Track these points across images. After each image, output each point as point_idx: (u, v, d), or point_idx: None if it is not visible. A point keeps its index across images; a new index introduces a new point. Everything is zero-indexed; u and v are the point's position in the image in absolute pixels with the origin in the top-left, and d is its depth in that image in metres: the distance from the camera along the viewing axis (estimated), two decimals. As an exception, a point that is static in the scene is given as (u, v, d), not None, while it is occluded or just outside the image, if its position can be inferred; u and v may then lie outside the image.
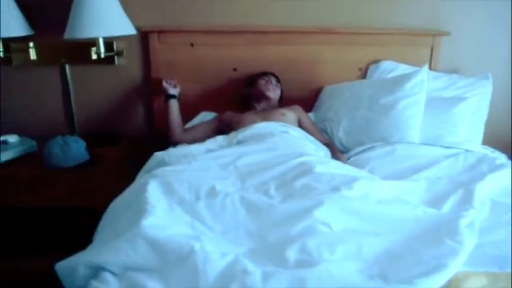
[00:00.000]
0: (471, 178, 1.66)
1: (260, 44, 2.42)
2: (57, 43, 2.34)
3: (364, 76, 2.49)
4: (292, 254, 1.13)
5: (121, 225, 1.24)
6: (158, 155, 1.81)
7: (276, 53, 2.43)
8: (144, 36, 2.37)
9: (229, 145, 1.86)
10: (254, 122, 2.09)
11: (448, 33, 2.43)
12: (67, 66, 2.44)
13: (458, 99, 2.16)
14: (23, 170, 2.12)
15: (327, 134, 2.22)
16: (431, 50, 2.46)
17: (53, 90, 2.49)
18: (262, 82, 2.29)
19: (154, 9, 2.37)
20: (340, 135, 2.15)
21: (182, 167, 1.57)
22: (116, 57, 2.42)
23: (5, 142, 2.24)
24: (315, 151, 1.84)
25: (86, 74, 2.46)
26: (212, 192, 1.37)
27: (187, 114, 2.35)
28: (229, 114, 2.25)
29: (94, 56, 2.36)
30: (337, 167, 1.59)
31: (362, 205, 1.34)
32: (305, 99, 2.47)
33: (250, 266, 1.05)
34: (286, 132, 1.90)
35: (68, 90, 2.47)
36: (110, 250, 1.12)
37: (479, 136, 2.24)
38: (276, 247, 1.17)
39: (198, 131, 2.22)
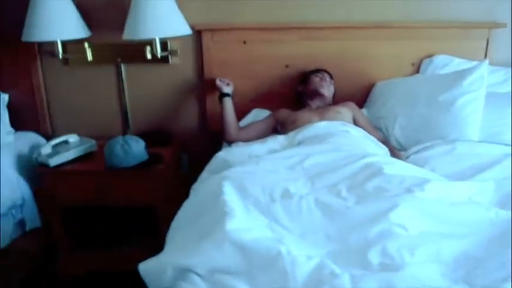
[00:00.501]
0: None
1: (312, 40, 2.42)
2: (112, 43, 2.40)
3: (417, 71, 2.46)
4: (374, 257, 1.15)
5: (203, 228, 1.28)
6: (221, 155, 1.85)
7: (327, 49, 2.43)
8: (197, 35, 2.41)
9: (291, 145, 1.88)
10: (310, 120, 2.11)
11: (504, 25, 2.37)
12: (122, 66, 2.50)
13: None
14: (88, 170, 2.20)
15: (382, 131, 2.22)
16: (487, 42, 2.41)
17: (109, 90, 2.56)
18: (316, 79, 2.30)
19: (207, 8, 2.40)
20: (396, 133, 2.14)
21: (251, 168, 1.60)
22: (170, 57, 2.46)
23: (66, 142, 2.32)
24: (375, 150, 1.84)
25: (141, 73, 2.52)
26: (286, 194, 1.40)
27: (240, 111, 2.39)
28: (283, 112, 2.27)
29: (149, 56, 2.41)
30: (404, 168, 1.59)
31: (436, 207, 1.34)
32: (357, 96, 2.47)
33: (337, 269, 1.07)
34: (347, 131, 1.91)
35: (123, 89, 2.54)
36: (197, 253, 1.16)
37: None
38: (357, 250, 1.20)
39: (253, 129, 2.25)
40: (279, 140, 1.93)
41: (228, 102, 2.30)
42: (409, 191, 1.38)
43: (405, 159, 1.92)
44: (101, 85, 2.56)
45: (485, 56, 2.43)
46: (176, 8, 2.19)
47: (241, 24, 2.42)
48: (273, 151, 1.85)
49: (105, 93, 2.57)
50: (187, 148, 2.60)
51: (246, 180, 1.46)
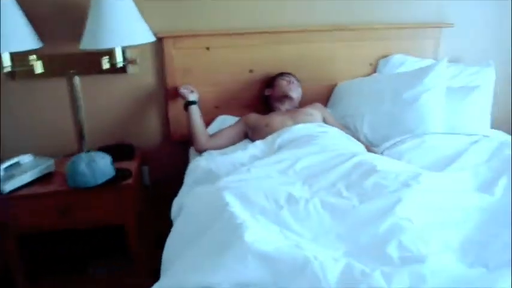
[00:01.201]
0: (502, 163, 1.77)
1: (275, 44, 2.43)
2: (65, 54, 2.25)
3: (374, 70, 2.56)
4: (393, 251, 1.17)
5: (214, 243, 1.23)
6: (203, 164, 1.80)
7: (290, 52, 2.46)
8: (158, 42, 2.32)
9: (271, 150, 1.88)
10: (284, 123, 2.11)
11: (451, 25, 2.55)
12: (76, 78, 2.34)
13: (472, 88, 2.27)
14: (48, 192, 2.02)
15: (350, 129, 2.28)
16: (436, 41, 2.57)
17: (62, 104, 2.39)
18: (283, 83, 2.31)
19: (168, 14, 2.33)
20: (365, 130, 2.21)
21: (244, 176, 1.57)
22: (128, 66, 2.35)
23: (19, 164, 2.12)
24: (357, 148, 1.88)
25: (97, 84, 2.38)
26: (291, 199, 1.39)
27: (205, 119, 2.32)
28: (253, 117, 2.26)
29: (106, 66, 2.28)
30: (393, 164, 1.65)
31: (433, 197, 1.41)
32: (320, 96, 2.52)
33: (365, 267, 1.08)
34: (326, 132, 1.93)
35: (78, 102, 2.37)
36: (219, 269, 1.11)
37: (488, 122, 2.36)
38: (373, 247, 1.21)
39: (223, 136, 2.21)
40: (259, 145, 1.91)
41: (195, 110, 2.24)
42: (406, 185, 1.42)
43: (380, 154, 1.99)
44: (53, 99, 2.38)
45: (435, 54, 2.59)
46: (138, 15, 2.09)
47: (204, 30, 2.37)
48: (255, 157, 1.83)
49: (58, 107, 2.39)
50: (148, 160, 2.50)
51: (247, 189, 1.43)
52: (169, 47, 2.35)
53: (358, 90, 2.36)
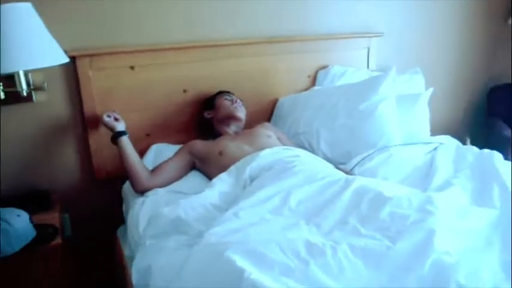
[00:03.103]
0: (481, 171, 1.73)
1: (209, 59, 2.14)
2: None
3: (313, 83, 2.42)
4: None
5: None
6: (166, 211, 1.44)
7: (226, 68, 2.19)
8: (69, 63, 1.85)
9: (239, 183, 1.59)
10: (242, 149, 1.84)
11: (381, 34, 2.53)
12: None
13: (416, 96, 2.25)
14: None
15: (305, 148, 2.08)
16: (368, 51, 2.53)
17: None
18: (226, 102, 2.03)
19: (82, 29, 1.89)
20: (323, 148, 2.04)
21: (234, 224, 1.25)
22: (33, 93, 1.85)
23: None
24: (335, 170, 1.69)
25: (-10, 119, 1.83)
26: (313, 249, 1.12)
27: (137, 149, 1.90)
28: (199, 145, 1.93)
29: (1, 96, 1.76)
30: (392, 186, 1.48)
31: (455, 221, 1.26)
32: (261, 114, 2.31)
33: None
34: (298, 156, 1.70)
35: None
36: None
37: (428, 128, 2.36)
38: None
39: (167, 171, 1.84)
40: (225, 179, 1.61)
41: (127, 142, 1.85)
42: (427, 212, 1.26)
43: (350, 172, 1.83)
44: None
45: (368, 63, 2.55)
46: (46, 31, 1.63)
47: (127, 46, 1.97)
48: (225, 195, 1.54)
49: None
50: (68, 206, 2.00)
51: (254, 244, 1.12)
52: (84, 68, 1.90)
53: (305, 104, 2.18)
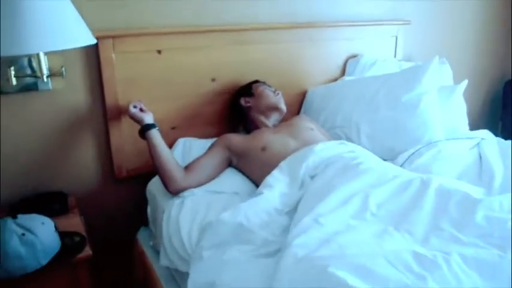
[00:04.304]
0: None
1: (240, 44, 1.95)
2: None
3: (343, 72, 2.28)
4: None
5: None
6: (226, 217, 1.27)
7: (256, 54, 2.01)
8: (90, 46, 1.63)
9: (296, 182, 1.43)
10: (286, 144, 1.69)
11: (408, 22, 2.41)
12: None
13: (451, 88, 2.14)
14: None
15: (343, 143, 1.95)
16: (396, 39, 2.41)
17: None
18: (269, 92, 1.86)
19: (104, 7, 1.66)
20: (364, 142, 1.90)
21: (318, 233, 1.10)
22: (49, 79, 1.62)
23: None
24: (398, 167, 1.56)
25: (6, 108, 1.58)
26: (424, 262, 0.98)
27: (165, 144, 1.74)
28: (236, 139, 1.76)
29: (14, 82, 1.53)
30: (467, 185, 1.36)
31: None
32: (290, 106, 2.13)
33: None
34: (353, 151, 1.56)
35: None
36: None
37: (466, 121, 2.24)
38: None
39: (203, 169, 1.66)
40: (281, 179, 1.45)
41: (157, 137, 1.65)
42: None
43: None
44: None
45: (395, 52, 2.43)
46: (72, 7, 1.41)
47: (154, 28, 1.76)
48: (284, 196, 1.37)
49: None
50: (83, 207, 1.78)
51: (359, 258, 0.97)
52: (107, 51, 1.68)
53: (340, 95, 2.04)
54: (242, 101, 1.88)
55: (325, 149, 1.52)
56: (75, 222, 1.56)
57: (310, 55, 2.16)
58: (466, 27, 2.73)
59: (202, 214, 1.48)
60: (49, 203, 1.61)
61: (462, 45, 2.76)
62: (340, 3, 2.21)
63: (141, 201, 1.83)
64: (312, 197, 1.29)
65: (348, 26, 2.23)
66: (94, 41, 1.47)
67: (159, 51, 1.79)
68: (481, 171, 1.70)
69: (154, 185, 1.75)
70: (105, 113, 1.75)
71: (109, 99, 1.74)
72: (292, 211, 1.34)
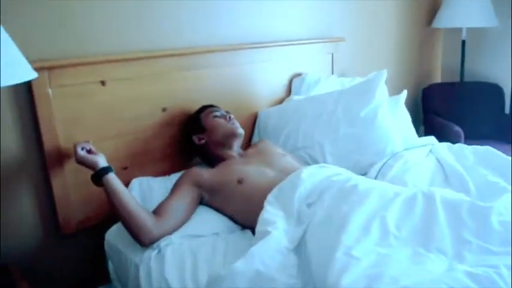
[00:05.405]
0: (483, 167, 1.73)
1: (191, 69, 1.80)
2: None
3: (288, 91, 2.22)
4: None
5: None
6: (240, 267, 1.09)
7: (209, 78, 1.87)
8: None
9: (291, 214, 1.30)
10: (264, 174, 1.56)
11: (343, 39, 2.45)
12: None
13: (395, 99, 2.17)
14: None
15: (306, 162, 1.87)
16: (332, 56, 2.43)
17: None
18: (221, 121, 1.70)
19: (37, 35, 1.39)
20: (329, 161, 1.83)
21: (358, 269, 0.98)
22: (-29, 125, 1.30)
23: None
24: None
25: None
26: (481, 281, 0.92)
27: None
28: (204, 174, 1.58)
29: None
30: (456, 194, 1.35)
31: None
32: (243, 128, 1.99)
33: None
34: (339, 173, 1.47)
35: None
36: None
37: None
38: None
39: (175, 210, 1.44)
40: (275, 212, 1.30)
41: (116, 182, 1.41)
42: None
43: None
44: None
45: (332, 69, 2.44)
46: (10, 40, 1.14)
47: (95, 56, 1.52)
48: (286, 233, 1.24)
49: None
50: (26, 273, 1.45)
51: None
52: (42, 86, 1.41)
53: (297, 115, 1.96)
54: (195, 139, 1.71)
55: (311, 175, 1.41)
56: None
57: (257, 76, 2.06)
58: (387, 39, 2.85)
59: (191, 265, 1.28)
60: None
61: (385, 57, 2.88)
62: (278, 23, 2.15)
63: (94, 257, 1.55)
64: (322, 228, 1.17)
65: (289, 45, 2.18)
66: (34, 75, 1.20)
67: (102, 82, 1.55)
68: (445, 176, 1.73)
69: (114, 235, 1.49)
70: (44, 160, 1.46)
71: (48, 143, 1.45)
72: (297, 247, 1.21)
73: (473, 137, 2.72)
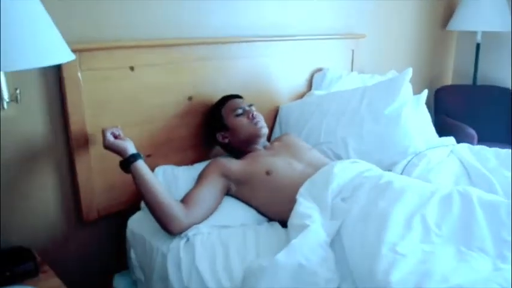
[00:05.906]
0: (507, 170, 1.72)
1: (220, 58, 1.77)
2: None
3: (309, 86, 2.20)
4: None
5: None
6: (282, 259, 1.07)
7: (237, 69, 1.85)
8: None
9: (325, 208, 1.29)
10: (292, 166, 1.55)
11: (364, 36, 2.43)
12: None
13: (416, 98, 2.13)
14: None
15: (330, 159, 1.84)
16: (353, 53, 2.41)
17: None
18: (244, 121, 1.65)
19: (66, 16, 1.35)
20: (352, 157, 1.80)
21: (407, 266, 0.98)
22: (2, 104, 1.26)
23: None
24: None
25: None
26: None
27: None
28: (233, 164, 1.56)
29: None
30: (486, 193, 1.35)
31: None
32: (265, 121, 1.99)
33: None
34: (370, 169, 1.45)
35: None
36: None
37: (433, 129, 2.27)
38: None
39: (204, 200, 1.43)
40: (309, 206, 1.29)
41: (146, 169, 1.39)
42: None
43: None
44: None
45: (352, 66, 2.43)
46: (50, 21, 1.11)
47: (127, 41, 1.49)
48: (323, 226, 1.22)
49: None
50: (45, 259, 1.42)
51: None
52: (72, 70, 1.37)
53: (319, 111, 1.95)
54: (219, 137, 1.68)
55: (343, 170, 1.40)
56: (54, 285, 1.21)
57: (279, 70, 2.04)
58: (405, 38, 2.84)
59: (222, 255, 1.26)
60: (14, 264, 1.23)
61: (402, 56, 2.86)
62: (303, 17, 2.13)
63: (115, 244, 1.52)
64: (361, 224, 1.16)
65: (313, 40, 2.16)
66: (72, 57, 1.17)
67: (131, 68, 1.52)
68: (468, 176, 1.72)
69: (137, 223, 1.47)
70: (70, 144, 1.42)
71: (75, 127, 1.42)
72: (331, 242, 1.19)
73: (484, 139, 2.72)
